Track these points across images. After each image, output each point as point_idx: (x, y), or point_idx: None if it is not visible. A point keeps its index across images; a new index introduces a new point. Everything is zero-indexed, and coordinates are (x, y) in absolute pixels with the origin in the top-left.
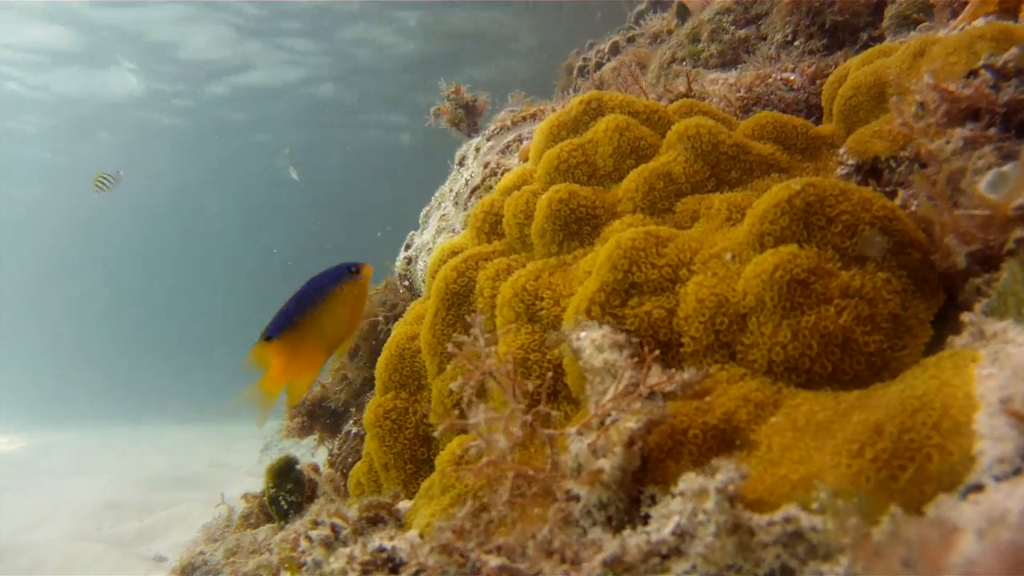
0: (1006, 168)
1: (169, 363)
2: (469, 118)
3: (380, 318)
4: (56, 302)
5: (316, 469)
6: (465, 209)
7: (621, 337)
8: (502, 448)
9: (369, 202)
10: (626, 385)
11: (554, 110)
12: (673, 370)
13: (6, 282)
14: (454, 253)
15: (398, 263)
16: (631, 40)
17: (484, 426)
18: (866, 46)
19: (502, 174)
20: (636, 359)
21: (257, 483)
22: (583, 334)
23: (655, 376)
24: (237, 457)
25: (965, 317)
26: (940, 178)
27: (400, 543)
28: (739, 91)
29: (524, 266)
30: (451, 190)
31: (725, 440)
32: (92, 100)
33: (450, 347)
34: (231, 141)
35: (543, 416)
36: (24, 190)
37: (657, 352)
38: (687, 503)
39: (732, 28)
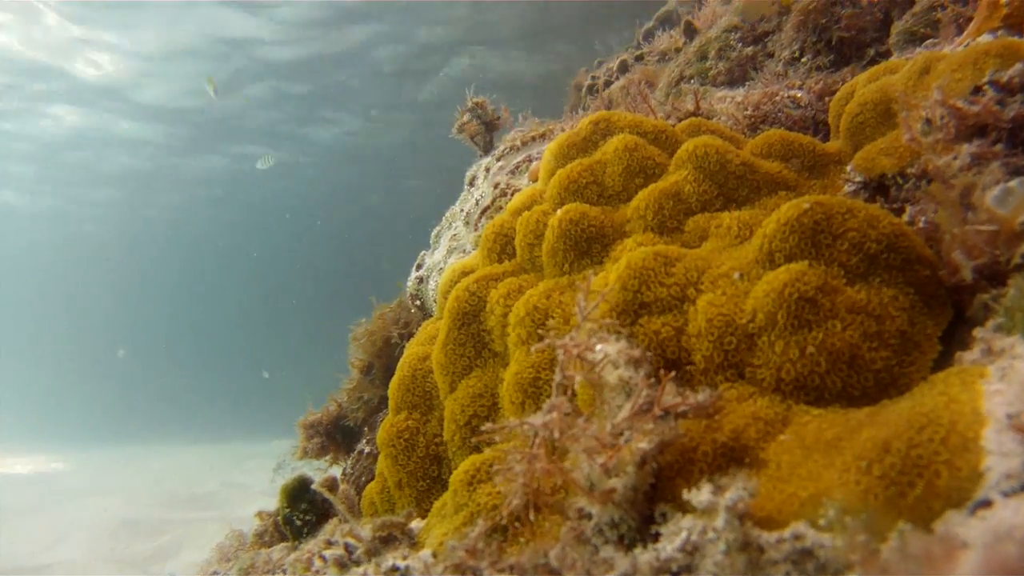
0: (1013, 183)
1: (184, 384)
2: (488, 133)
3: (395, 335)
4: (73, 325)
5: (333, 486)
6: (476, 229)
7: (637, 352)
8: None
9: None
10: (641, 404)
11: (563, 130)
12: (687, 391)
13: (26, 307)
14: (465, 273)
15: (409, 283)
16: (639, 58)
17: (516, 435)
18: (873, 62)
19: (512, 194)
20: (652, 378)
21: (270, 503)
22: (599, 347)
23: (670, 396)
24: (250, 476)
25: (977, 333)
26: (955, 190)
27: (413, 562)
28: (747, 109)
29: (535, 286)
30: (462, 210)
31: (734, 458)
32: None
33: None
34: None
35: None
36: (49, 208)
37: (673, 373)
38: (697, 521)
39: (739, 45)
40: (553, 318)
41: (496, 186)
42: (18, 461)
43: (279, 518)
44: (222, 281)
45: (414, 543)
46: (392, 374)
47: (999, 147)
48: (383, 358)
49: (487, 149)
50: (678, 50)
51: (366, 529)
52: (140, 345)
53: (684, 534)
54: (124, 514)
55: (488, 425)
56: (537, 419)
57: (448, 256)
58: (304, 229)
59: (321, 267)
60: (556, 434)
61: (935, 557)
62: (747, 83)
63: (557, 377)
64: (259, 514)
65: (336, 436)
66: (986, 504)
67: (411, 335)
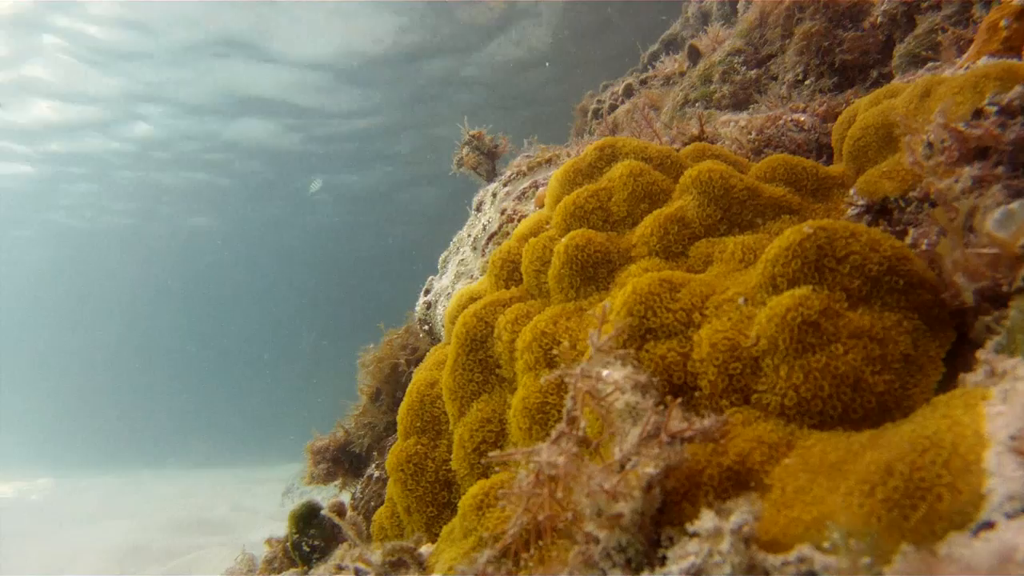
0: (1014, 206)
1: (192, 407)
2: (489, 162)
3: (402, 361)
4: (81, 348)
5: (341, 511)
6: (483, 255)
7: (643, 378)
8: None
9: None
10: (649, 430)
11: (569, 155)
12: (693, 416)
13: (32, 329)
14: (473, 299)
15: (418, 308)
16: (644, 82)
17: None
18: (876, 84)
19: (519, 220)
20: (659, 404)
21: (279, 527)
22: (605, 373)
23: (676, 422)
24: (259, 501)
25: (980, 355)
26: (959, 215)
27: None
28: (750, 133)
29: (542, 312)
30: (469, 235)
31: (740, 482)
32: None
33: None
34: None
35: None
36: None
37: (680, 399)
38: (703, 544)
39: (743, 69)
40: (560, 343)
41: (503, 212)
42: (26, 486)
43: (288, 544)
44: (233, 304)
45: (424, 568)
46: (399, 400)
47: (1000, 169)
48: (390, 383)
49: (490, 178)
50: (682, 74)
51: (376, 554)
52: (149, 369)
53: (691, 558)
54: (133, 539)
55: (494, 453)
56: (543, 454)
57: (456, 281)
58: (317, 254)
59: (333, 292)
60: (560, 472)
61: None
62: (751, 106)
63: (568, 405)
64: (268, 541)
65: (343, 461)
66: (988, 526)
67: (419, 361)
